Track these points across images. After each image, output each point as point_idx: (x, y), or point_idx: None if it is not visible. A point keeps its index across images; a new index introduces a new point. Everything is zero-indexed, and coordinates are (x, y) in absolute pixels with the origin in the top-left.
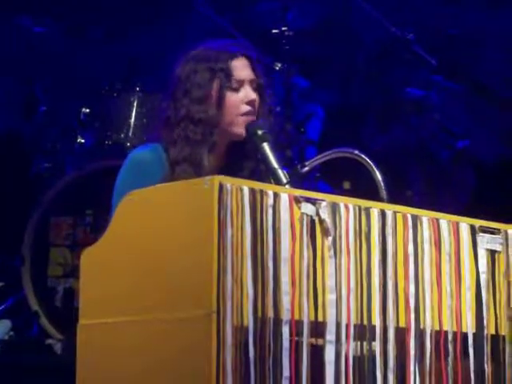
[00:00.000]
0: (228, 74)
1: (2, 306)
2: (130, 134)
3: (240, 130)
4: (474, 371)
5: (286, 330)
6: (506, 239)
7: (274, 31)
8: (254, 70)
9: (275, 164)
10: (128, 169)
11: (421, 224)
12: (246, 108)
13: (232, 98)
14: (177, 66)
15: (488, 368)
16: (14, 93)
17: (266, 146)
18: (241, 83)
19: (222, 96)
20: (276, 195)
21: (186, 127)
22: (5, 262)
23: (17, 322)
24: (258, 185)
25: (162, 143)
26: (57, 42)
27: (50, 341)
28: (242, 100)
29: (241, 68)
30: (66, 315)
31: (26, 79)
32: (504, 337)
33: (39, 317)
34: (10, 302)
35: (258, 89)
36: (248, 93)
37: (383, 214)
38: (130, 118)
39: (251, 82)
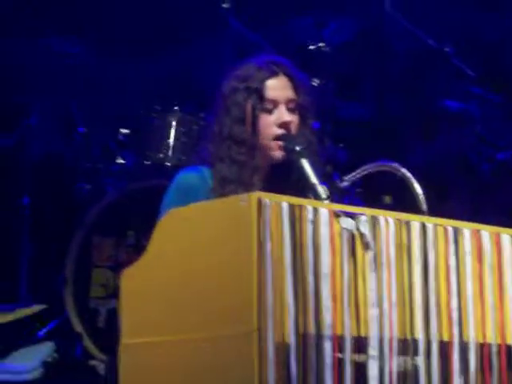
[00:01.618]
0: (260, 94)
1: (46, 328)
2: (170, 154)
3: (275, 153)
4: None
5: (328, 345)
6: None
7: (310, 47)
8: (295, 89)
9: (314, 180)
10: (174, 189)
11: (462, 236)
12: (278, 131)
13: (264, 119)
14: (223, 82)
15: None
16: (52, 115)
17: (304, 162)
18: (275, 104)
19: (255, 117)
20: (315, 210)
21: (230, 147)
22: (48, 283)
23: (60, 343)
24: (296, 200)
25: (207, 162)
26: (93, 63)
27: (93, 362)
28: (274, 122)
29: (276, 87)
30: (110, 336)
31: (64, 101)
32: None
33: (82, 338)
34: (53, 324)
35: (296, 109)
36: (281, 114)
37: (424, 227)
38: (169, 138)
39: (288, 102)
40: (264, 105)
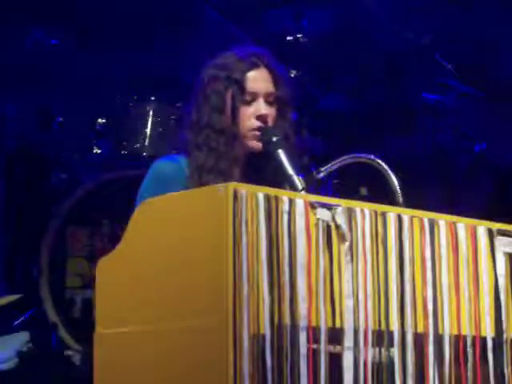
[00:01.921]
0: (241, 85)
1: (21, 318)
2: (146, 144)
3: (253, 143)
4: (494, 376)
5: (303, 336)
6: None
7: (288, 38)
8: (274, 82)
9: (290, 170)
10: (150, 179)
11: (438, 228)
12: (256, 123)
13: (243, 111)
14: (202, 70)
15: (508, 372)
16: (30, 105)
17: (281, 153)
18: (254, 96)
19: (235, 108)
20: (291, 201)
21: (209, 136)
22: (23, 273)
23: (35, 333)
24: (272, 191)
25: (184, 151)
26: (70, 53)
27: (68, 352)
28: (252, 114)
29: (257, 80)
30: (85, 326)
31: (41, 91)
32: None
33: (58, 328)
34: (29, 313)
35: (275, 102)
36: (259, 107)
37: (400, 219)
38: (146, 128)
39: (267, 95)
40: (244, 96)
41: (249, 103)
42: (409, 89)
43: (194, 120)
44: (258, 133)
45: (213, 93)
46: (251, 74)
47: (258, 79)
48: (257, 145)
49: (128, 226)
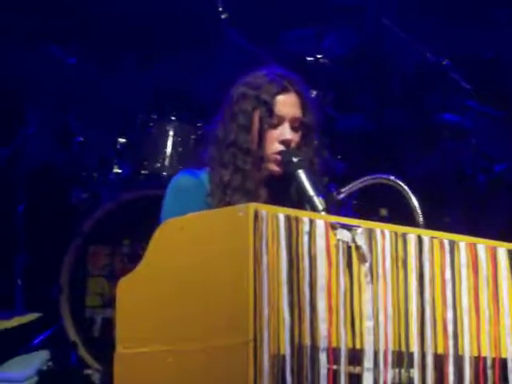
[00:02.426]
0: (270, 108)
1: (41, 337)
2: (166, 164)
3: (273, 167)
4: None
5: (323, 357)
6: None
7: (308, 59)
8: (302, 107)
9: (311, 191)
10: (171, 193)
11: (458, 249)
12: (279, 147)
13: (269, 133)
14: (233, 85)
15: None
16: (50, 124)
17: (301, 173)
18: (280, 120)
19: (262, 130)
20: (312, 222)
21: (235, 155)
22: (43, 292)
23: (55, 352)
24: (293, 212)
25: (205, 166)
26: (90, 71)
27: (88, 371)
28: (277, 138)
29: (285, 104)
30: (105, 345)
31: (61, 109)
32: None
33: (77, 347)
34: (49, 332)
35: (300, 128)
36: (283, 131)
37: (420, 240)
38: (166, 148)
39: (293, 120)
40: (271, 119)
41: (274, 126)
42: (428, 110)
43: (219, 137)
44: (279, 157)
45: (241, 111)
46: (280, 98)
47: (287, 103)
48: (277, 169)
49: (149, 245)
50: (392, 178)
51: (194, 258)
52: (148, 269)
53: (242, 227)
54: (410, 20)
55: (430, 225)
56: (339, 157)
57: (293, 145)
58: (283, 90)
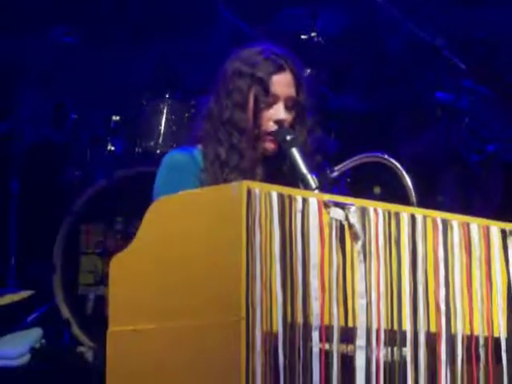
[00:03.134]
0: (265, 87)
1: (34, 315)
2: (160, 141)
3: (267, 145)
4: (508, 376)
5: (315, 335)
6: None
7: (302, 37)
8: (297, 87)
9: (304, 169)
10: (164, 169)
11: (451, 228)
12: (273, 127)
13: (263, 112)
14: (228, 60)
15: None
16: (44, 102)
17: (294, 152)
18: (275, 99)
19: (258, 109)
20: (305, 200)
21: (231, 133)
22: (36, 270)
23: (48, 329)
24: (286, 190)
25: (199, 141)
26: (85, 51)
27: (81, 348)
28: (270, 117)
29: (280, 84)
30: (98, 323)
31: (56, 88)
32: None
33: (70, 325)
34: (42, 310)
35: (294, 107)
36: (278, 111)
37: (413, 219)
38: (160, 126)
39: (287, 99)
40: (266, 98)
41: (269, 106)
42: (422, 88)
43: (213, 113)
44: (270, 137)
45: (236, 89)
46: (276, 77)
47: (282, 83)
48: (270, 147)
49: (142, 223)
50: (386, 156)
51: (187, 235)
52: (141, 246)
53: (234, 205)
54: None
55: (423, 204)
56: (332, 135)
57: (286, 124)
58: (279, 69)
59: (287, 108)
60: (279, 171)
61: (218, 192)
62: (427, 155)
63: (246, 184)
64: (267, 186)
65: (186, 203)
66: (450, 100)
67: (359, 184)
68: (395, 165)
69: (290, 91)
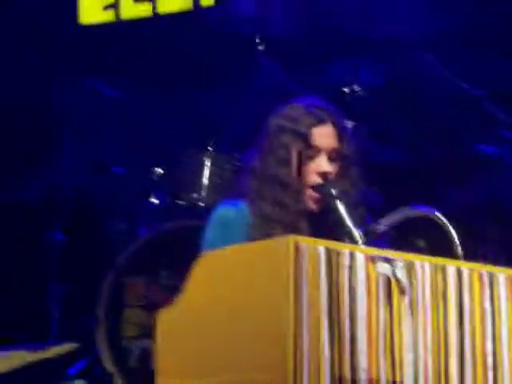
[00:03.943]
0: (307, 140)
1: (77, 367)
2: (203, 194)
3: (310, 204)
4: None
5: None
6: None
7: (344, 89)
8: (339, 138)
9: (350, 223)
10: (214, 223)
11: (497, 281)
12: (317, 180)
13: (307, 166)
14: (271, 116)
15: None
16: (88, 154)
17: (340, 205)
18: (317, 151)
19: (301, 163)
20: (352, 255)
21: (274, 188)
22: (80, 322)
23: (92, 383)
24: (333, 244)
25: (245, 198)
26: (130, 103)
27: None
28: (314, 169)
29: (322, 135)
30: (142, 376)
31: (99, 140)
32: None
33: (114, 378)
34: (85, 362)
35: (338, 159)
36: (322, 163)
37: (459, 272)
38: (203, 178)
39: (330, 151)
40: (308, 151)
41: (312, 158)
42: (465, 141)
43: (257, 169)
44: (315, 194)
45: (278, 145)
46: (317, 130)
47: (324, 135)
48: (313, 204)
49: (189, 276)
50: (433, 211)
51: (234, 289)
52: (188, 300)
53: (282, 260)
54: (446, 52)
55: (468, 256)
56: (374, 188)
57: (330, 176)
58: (320, 121)
59: (331, 160)
60: (324, 225)
61: (264, 246)
62: (471, 209)
63: (293, 239)
64: (314, 241)
65: (234, 258)
66: (494, 152)
67: (404, 237)
68: (442, 219)
69: (333, 143)
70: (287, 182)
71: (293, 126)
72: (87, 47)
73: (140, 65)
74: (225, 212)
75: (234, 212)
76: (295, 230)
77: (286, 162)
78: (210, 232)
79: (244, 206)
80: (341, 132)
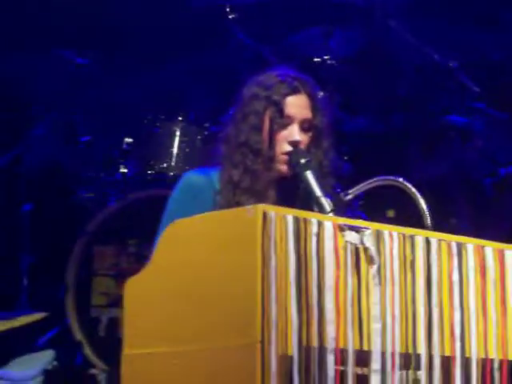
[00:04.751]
0: (280, 108)
1: (46, 336)
2: (173, 164)
3: (281, 167)
4: None
5: (330, 358)
6: None
7: (315, 59)
8: (312, 109)
9: (319, 192)
10: (180, 189)
11: (466, 252)
12: (287, 148)
13: (278, 134)
14: (245, 85)
15: None
16: (56, 123)
17: (309, 175)
18: (290, 120)
19: (273, 130)
20: (320, 223)
21: (246, 155)
22: (48, 291)
23: (61, 351)
24: (301, 213)
25: (216, 164)
26: (98, 72)
27: (93, 371)
28: (285, 138)
29: (295, 105)
30: (110, 345)
31: (68, 110)
32: None
33: (83, 347)
34: (54, 331)
35: (310, 129)
36: (293, 132)
37: (428, 242)
38: (173, 148)
39: (303, 121)
40: (281, 120)
41: (284, 127)
42: (435, 111)
43: (230, 136)
44: (287, 157)
45: (251, 112)
46: (291, 99)
47: (297, 105)
48: (285, 169)
49: (157, 245)
50: (400, 179)
51: (202, 258)
52: (156, 268)
53: (250, 228)
54: (417, 22)
55: (436, 227)
56: (346, 158)
57: (301, 146)
58: (294, 91)
59: (303, 130)
60: (293, 194)
61: (233, 215)
62: (440, 178)
63: (261, 207)
64: (283, 210)
65: (203, 226)
66: (464, 123)
67: (373, 207)
68: (409, 188)
69: (306, 113)
70: (259, 148)
71: (266, 94)
72: (55, 18)
73: (110, 35)
74: (192, 176)
75: (201, 178)
76: (263, 199)
77: (259, 129)
78: (174, 197)
79: (214, 174)
80: (314, 103)
